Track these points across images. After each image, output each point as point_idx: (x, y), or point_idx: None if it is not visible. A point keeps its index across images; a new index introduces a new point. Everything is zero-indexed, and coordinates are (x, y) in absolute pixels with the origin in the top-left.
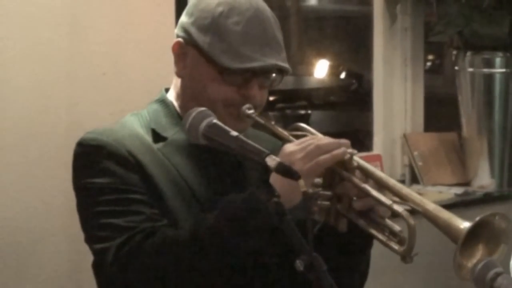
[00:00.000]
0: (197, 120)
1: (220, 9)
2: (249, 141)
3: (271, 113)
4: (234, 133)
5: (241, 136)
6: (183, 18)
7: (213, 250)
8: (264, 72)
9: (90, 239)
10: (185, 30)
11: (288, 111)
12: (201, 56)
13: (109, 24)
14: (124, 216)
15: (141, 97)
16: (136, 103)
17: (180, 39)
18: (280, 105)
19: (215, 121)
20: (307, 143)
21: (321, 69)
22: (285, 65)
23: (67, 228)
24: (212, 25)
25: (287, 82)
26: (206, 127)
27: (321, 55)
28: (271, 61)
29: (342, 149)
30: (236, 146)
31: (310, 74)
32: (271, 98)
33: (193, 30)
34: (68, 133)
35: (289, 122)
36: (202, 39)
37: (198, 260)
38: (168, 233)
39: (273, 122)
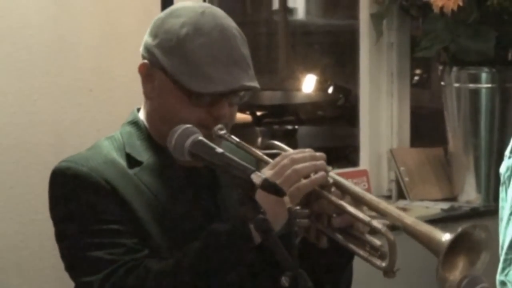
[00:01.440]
0: (183, 137)
1: (184, 30)
2: (235, 158)
3: (258, 128)
4: (219, 150)
5: (227, 153)
6: (147, 39)
7: (197, 281)
8: (232, 92)
9: (70, 270)
10: (150, 52)
11: (275, 127)
12: (168, 78)
13: (96, 40)
14: (104, 248)
15: (128, 113)
16: (122, 120)
17: (146, 61)
18: (267, 120)
19: (200, 138)
20: (283, 166)
21: (308, 84)
22: (253, 84)
23: (53, 246)
24: (177, 47)
25: (275, 97)
26: (192, 144)
27: (308, 70)
28: (238, 82)
29: (321, 174)
30: (222, 163)
31: (298, 89)
32: (258, 113)
33: (157, 53)
34: (54, 150)
35: (277, 137)
36: (167, 63)
37: None
38: (150, 266)
39: (259, 139)
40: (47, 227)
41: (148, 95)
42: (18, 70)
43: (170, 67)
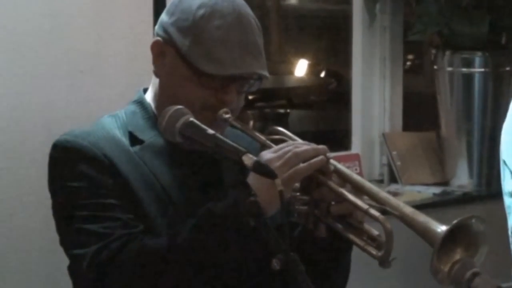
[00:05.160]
0: (174, 118)
1: (201, 11)
2: (226, 140)
3: (250, 112)
4: (210, 131)
5: (218, 135)
6: (164, 17)
7: (190, 259)
8: (242, 78)
9: (65, 243)
10: (164, 29)
11: (267, 110)
12: (179, 57)
13: (86, 21)
14: (99, 222)
15: (119, 95)
16: (113, 101)
17: (159, 38)
18: (259, 103)
19: (192, 119)
20: (285, 150)
21: (301, 68)
22: (264, 72)
23: (44, 228)
24: (192, 27)
25: (267, 81)
26: (183, 125)
27: (301, 54)
28: (250, 69)
29: (320, 158)
30: (213, 145)
31: (290, 73)
32: (250, 97)
33: (172, 31)
34: (45, 131)
35: (268, 121)
36: (181, 41)
37: (175, 270)
38: (145, 241)
39: (251, 122)
40: (37, 209)
41: (157, 73)
42: (8, 51)
43: (183, 46)
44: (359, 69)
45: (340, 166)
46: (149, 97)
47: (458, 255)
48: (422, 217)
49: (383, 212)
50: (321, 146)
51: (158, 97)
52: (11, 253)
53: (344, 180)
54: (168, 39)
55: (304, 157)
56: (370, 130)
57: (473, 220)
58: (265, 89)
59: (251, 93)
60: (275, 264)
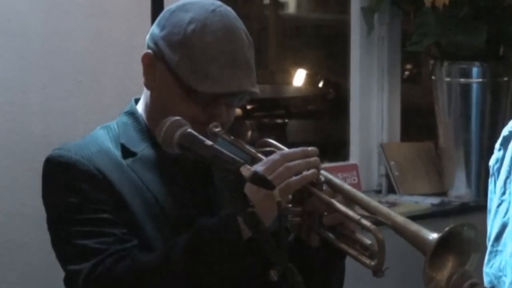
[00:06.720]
0: (172, 129)
1: (192, 26)
2: (224, 151)
3: (248, 122)
4: (208, 142)
5: (216, 146)
6: (155, 29)
7: (184, 275)
8: (231, 94)
9: (60, 258)
10: (155, 42)
11: (265, 120)
12: (169, 72)
13: (84, 32)
14: (94, 237)
15: (117, 106)
16: (112, 112)
17: (150, 51)
18: (257, 113)
19: (189, 130)
20: (275, 163)
21: (299, 78)
22: (254, 89)
23: (40, 237)
24: (182, 43)
25: (265, 91)
26: (181, 136)
27: (299, 63)
28: (239, 86)
29: (312, 171)
30: (210, 156)
31: (288, 82)
32: (248, 107)
33: (162, 45)
34: (43, 142)
35: (266, 130)
36: (171, 57)
37: (169, 285)
38: (138, 257)
39: (249, 132)
40: (34, 220)
41: (148, 85)
42: (7, 61)
43: (173, 61)
44: (357, 79)
45: (331, 176)
46: (140, 108)
47: (450, 263)
48: (413, 226)
49: (375, 222)
50: (311, 148)
51: (149, 109)
52: (8, 264)
53: (335, 190)
54: (158, 53)
55: (296, 170)
56: (368, 140)
57: (465, 228)
58: (263, 99)
59: (250, 103)
60: (273, 275)
